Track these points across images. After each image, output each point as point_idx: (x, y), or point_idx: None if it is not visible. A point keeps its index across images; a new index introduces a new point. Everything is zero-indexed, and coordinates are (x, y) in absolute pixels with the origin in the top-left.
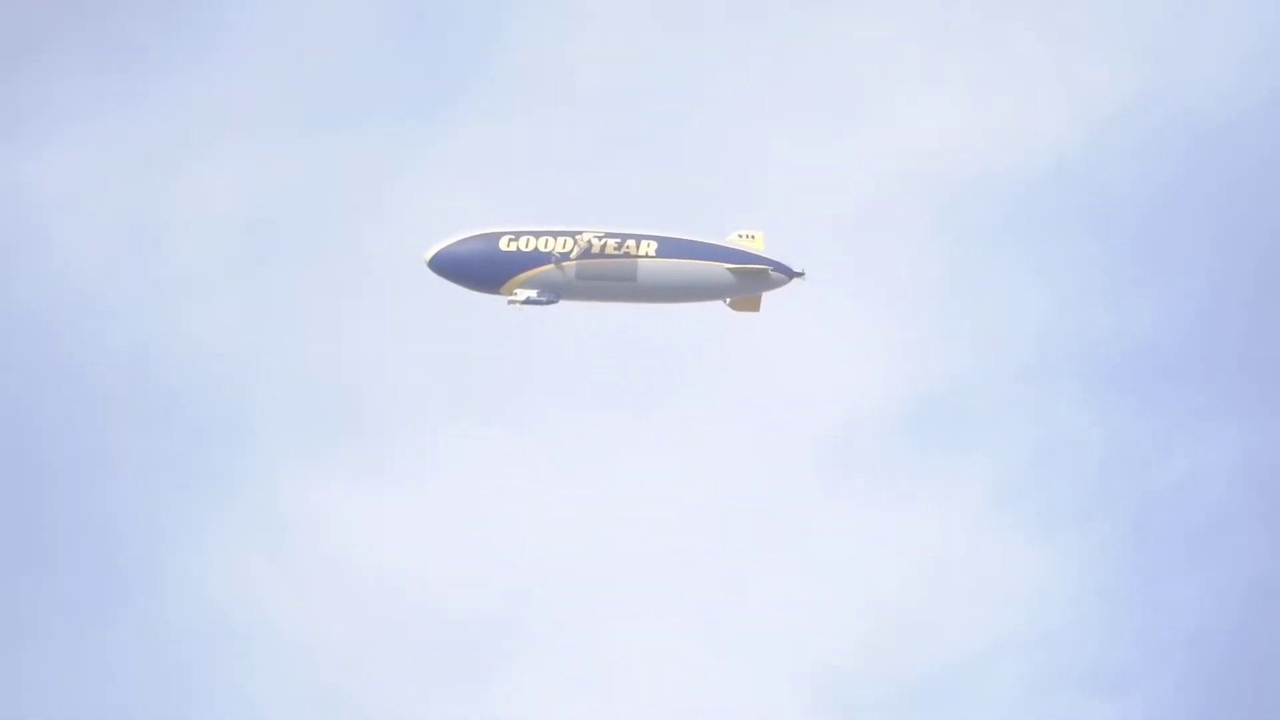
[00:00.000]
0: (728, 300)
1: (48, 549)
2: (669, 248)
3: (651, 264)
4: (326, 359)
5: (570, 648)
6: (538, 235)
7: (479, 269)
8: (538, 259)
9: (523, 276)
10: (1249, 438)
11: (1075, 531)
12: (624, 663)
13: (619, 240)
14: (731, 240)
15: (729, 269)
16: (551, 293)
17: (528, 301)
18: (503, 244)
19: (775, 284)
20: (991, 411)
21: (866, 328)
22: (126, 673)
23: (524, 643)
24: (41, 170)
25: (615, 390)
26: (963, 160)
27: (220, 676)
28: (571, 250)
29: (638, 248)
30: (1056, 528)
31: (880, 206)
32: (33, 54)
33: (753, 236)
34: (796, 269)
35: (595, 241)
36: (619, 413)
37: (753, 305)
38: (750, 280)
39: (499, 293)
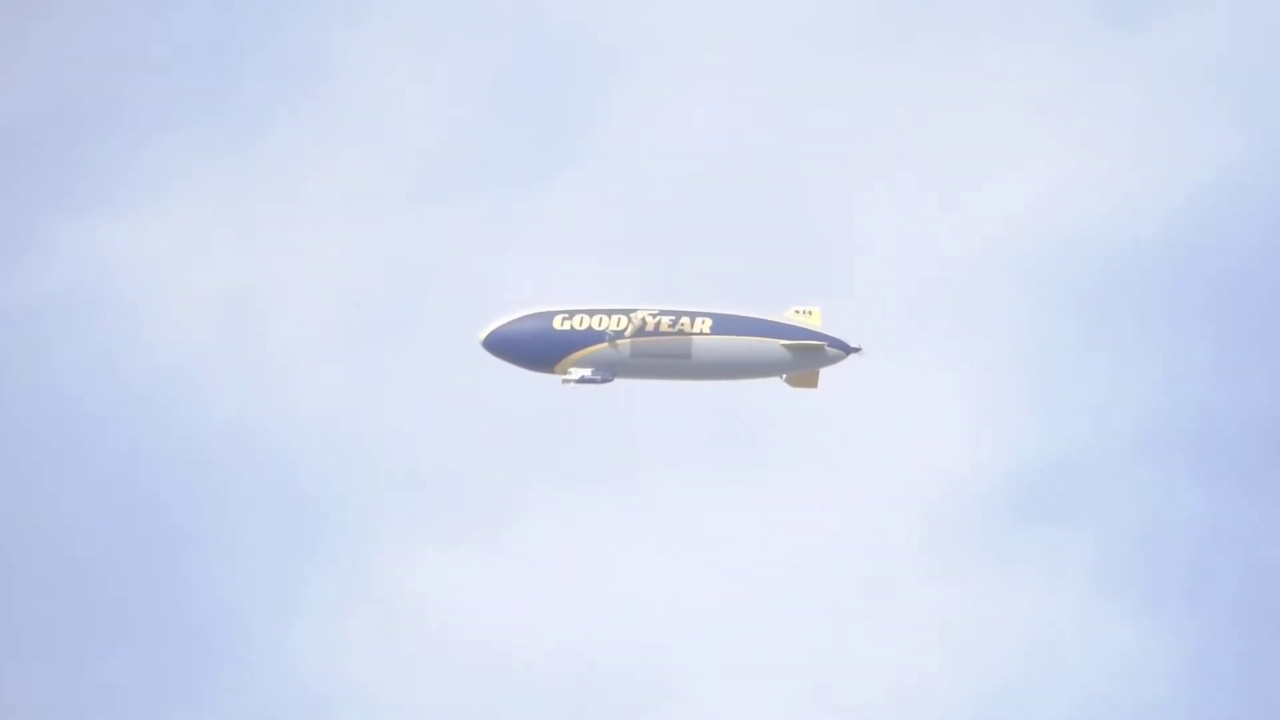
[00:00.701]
0: (784, 377)
1: (146, 622)
2: (724, 324)
3: (706, 341)
4: (425, 433)
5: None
6: (592, 314)
7: (533, 348)
8: (592, 338)
9: (577, 355)
10: None
11: (1180, 610)
12: None
13: (673, 318)
14: (789, 316)
15: (785, 345)
16: (607, 371)
17: (582, 380)
18: (557, 323)
19: (832, 360)
20: (1098, 486)
21: (970, 398)
22: None
23: (628, 716)
24: (147, 240)
25: (710, 464)
26: (1067, 226)
27: None
28: (626, 328)
29: (692, 325)
30: (1160, 606)
31: (983, 272)
32: (139, 121)
33: (810, 312)
34: (853, 344)
35: (650, 319)
36: (717, 486)
37: (810, 381)
38: (806, 356)
39: (554, 371)
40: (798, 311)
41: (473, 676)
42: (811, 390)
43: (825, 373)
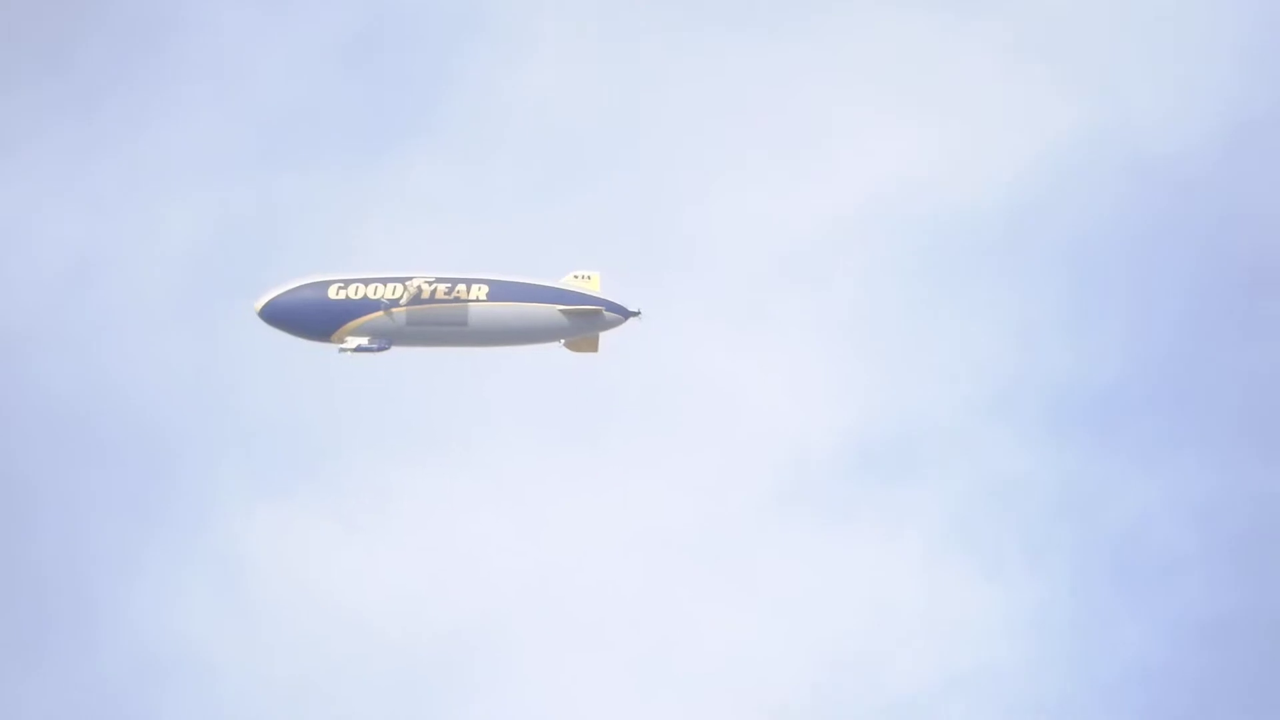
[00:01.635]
0: (563, 342)
1: None
2: (500, 290)
3: (482, 308)
4: (263, 397)
5: (517, 685)
6: (367, 282)
7: (310, 318)
8: (368, 306)
9: (354, 324)
10: (1206, 476)
11: (1020, 573)
12: (570, 699)
13: (449, 285)
14: (567, 281)
15: (561, 310)
16: (383, 340)
17: (359, 349)
18: (332, 292)
19: (610, 324)
20: (941, 449)
21: (816, 363)
22: (65, 714)
23: (470, 679)
24: None
25: (554, 428)
26: (914, 191)
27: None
28: (401, 296)
29: (468, 292)
30: (1002, 568)
31: (830, 238)
32: None
33: (589, 277)
34: (632, 308)
35: (425, 287)
36: (560, 450)
37: (590, 346)
38: (584, 321)
39: (330, 341)
40: (577, 276)
41: (318, 638)
42: (592, 355)
43: (614, 338)
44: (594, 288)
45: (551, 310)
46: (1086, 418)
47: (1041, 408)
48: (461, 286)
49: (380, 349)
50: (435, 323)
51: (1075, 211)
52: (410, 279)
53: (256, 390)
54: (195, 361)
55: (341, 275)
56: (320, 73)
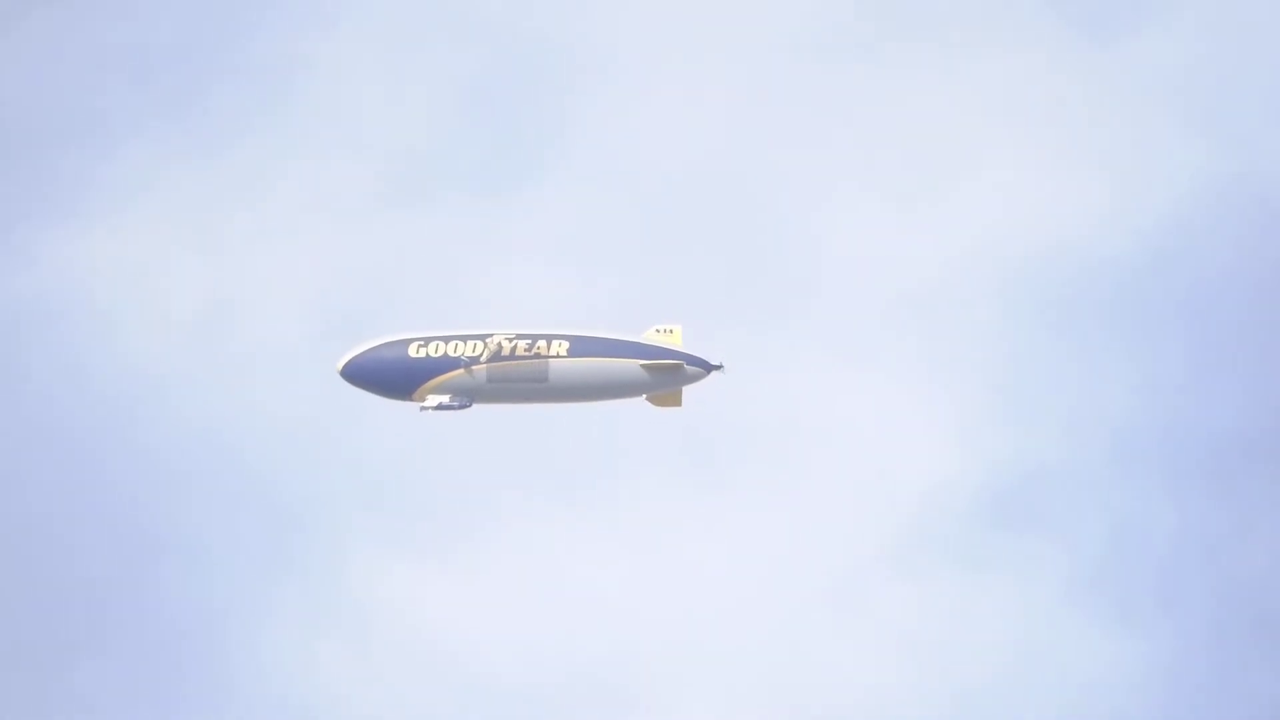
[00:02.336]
0: (645, 396)
1: (121, 630)
2: (581, 346)
3: (563, 364)
4: (401, 441)
5: None
6: (447, 340)
7: (391, 376)
8: (448, 364)
9: (435, 382)
10: None
11: (1151, 619)
12: None
13: (529, 341)
14: (649, 335)
15: (642, 365)
16: (464, 397)
17: (440, 407)
18: (412, 350)
19: (692, 378)
20: (1069, 496)
21: (940, 409)
22: None
23: None
24: (118, 247)
25: (670, 478)
26: (1040, 237)
27: None
28: (481, 353)
29: (549, 348)
30: (1132, 615)
31: (955, 283)
32: (110, 126)
33: (671, 330)
34: (714, 361)
35: (505, 344)
36: (680, 498)
37: (674, 400)
38: (666, 375)
39: (412, 399)
40: (658, 330)
41: (440, 683)
42: (675, 409)
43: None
44: (676, 342)
45: (632, 365)
46: (1215, 466)
47: (1169, 456)
48: (542, 343)
49: (462, 407)
50: (516, 380)
51: (1201, 259)
52: (491, 336)
53: (374, 439)
54: (320, 408)
55: (422, 333)
56: (441, 116)
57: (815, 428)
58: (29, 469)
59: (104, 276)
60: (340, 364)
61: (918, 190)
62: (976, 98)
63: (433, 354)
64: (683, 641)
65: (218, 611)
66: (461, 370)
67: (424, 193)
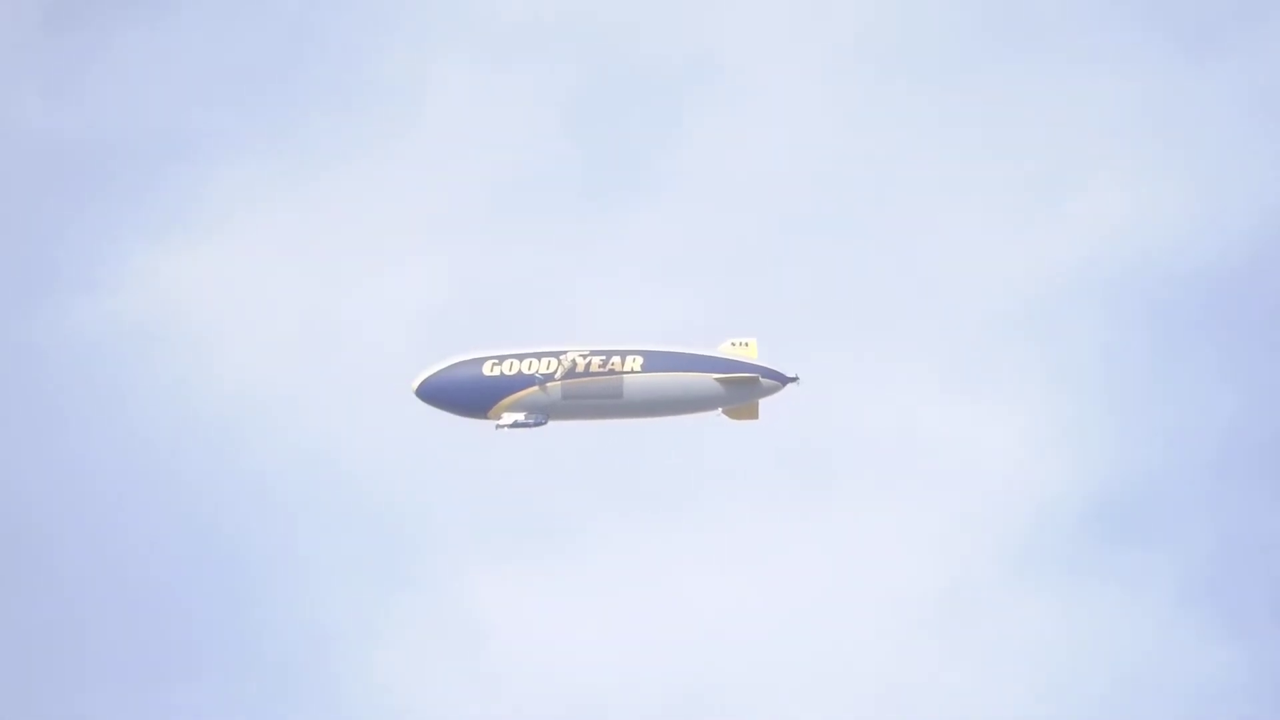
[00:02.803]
0: (720, 410)
1: (228, 649)
2: (655, 361)
3: (637, 379)
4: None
5: None
6: (521, 358)
7: (466, 395)
8: (523, 382)
9: (509, 400)
10: None
11: (1263, 629)
12: None
13: (603, 357)
14: (724, 349)
15: (717, 379)
16: (540, 414)
17: (515, 425)
18: (486, 369)
19: (768, 391)
20: (1178, 507)
21: (1048, 421)
22: None
23: None
24: (218, 268)
25: (779, 488)
26: (1143, 249)
27: None
28: (555, 371)
29: (623, 364)
30: (1244, 625)
31: (1060, 296)
32: (210, 147)
33: (746, 344)
34: (790, 374)
35: (579, 360)
36: (782, 512)
37: (750, 413)
38: (741, 389)
39: (488, 417)
40: (734, 344)
41: (548, 699)
42: (752, 421)
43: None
44: (751, 354)
45: (707, 379)
46: None
47: (1275, 464)
48: (616, 359)
49: (537, 424)
50: (591, 396)
51: None
52: (564, 353)
53: (476, 455)
54: (423, 425)
55: (497, 351)
56: (544, 134)
57: (921, 441)
58: (134, 491)
59: (207, 297)
60: (415, 384)
61: (1021, 205)
62: (1076, 113)
63: (507, 372)
64: (791, 658)
65: (327, 633)
66: (536, 388)
67: (528, 211)
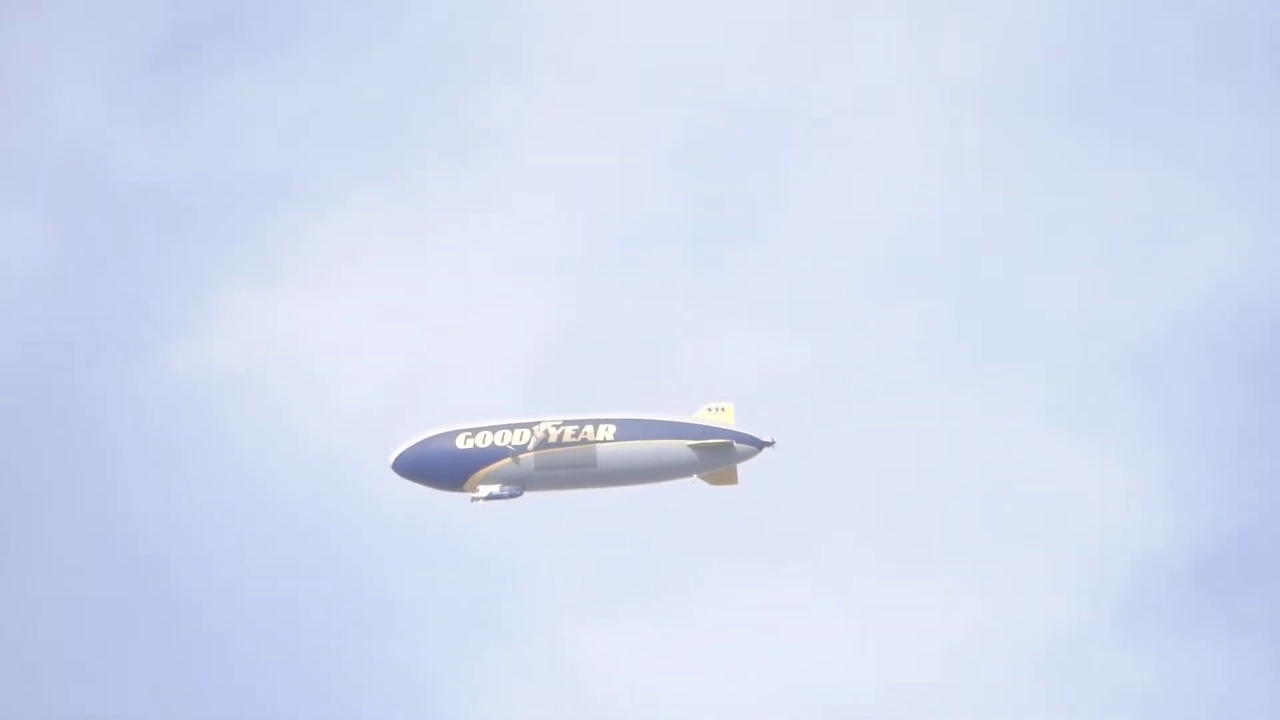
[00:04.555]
0: (695, 477)
1: (324, 690)
2: (628, 429)
3: (610, 448)
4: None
5: None
6: (495, 430)
7: (440, 468)
8: (496, 454)
9: (483, 472)
10: None
11: None
12: None
13: (576, 427)
14: (700, 415)
15: (690, 445)
16: (515, 486)
17: (490, 497)
18: (460, 441)
19: (744, 456)
20: None
21: (1153, 471)
22: None
23: None
24: (323, 312)
25: (877, 542)
26: (1253, 296)
27: None
28: (529, 442)
29: (595, 432)
30: None
31: (1168, 344)
32: (314, 190)
33: (723, 409)
34: (765, 438)
35: (552, 431)
36: (882, 564)
37: (729, 478)
38: (716, 455)
39: (463, 490)
40: (710, 409)
41: None
42: (732, 487)
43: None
44: (728, 420)
45: (680, 446)
46: None
47: None
48: (589, 428)
49: (513, 495)
50: (564, 466)
51: None
52: (537, 423)
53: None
54: None
55: (470, 424)
56: (647, 179)
57: (1023, 488)
58: (237, 533)
59: (310, 342)
60: (391, 458)
61: (1130, 252)
62: (1186, 158)
63: (480, 444)
64: (894, 708)
65: (423, 679)
66: (509, 459)
67: (631, 257)
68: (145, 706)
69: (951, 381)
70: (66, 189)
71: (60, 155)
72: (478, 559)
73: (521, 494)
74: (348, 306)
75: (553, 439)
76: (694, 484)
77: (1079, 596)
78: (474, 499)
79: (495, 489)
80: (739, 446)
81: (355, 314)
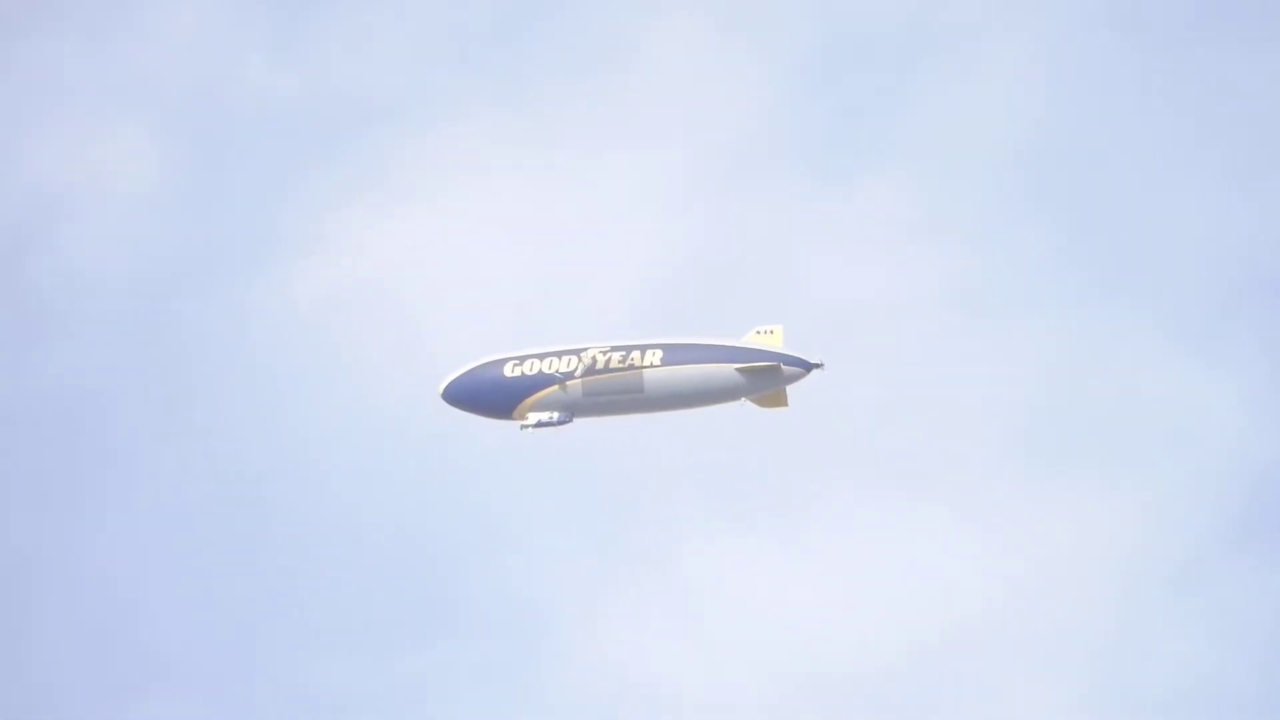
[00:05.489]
0: (744, 400)
1: (456, 617)
2: (675, 354)
3: (657, 373)
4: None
5: (974, 712)
6: (542, 357)
7: (489, 397)
8: (544, 381)
9: (532, 400)
10: None
11: None
12: None
13: (624, 353)
14: (749, 338)
15: (737, 369)
16: (565, 413)
17: (539, 425)
18: (507, 370)
19: (791, 378)
20: None
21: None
22: None
23: (926, 708)
24: (440, 232)
25: (1008, 456)
26: None
27: None
28: (576, 369)
29: (643, 358)
30: None
31: None
32: (430, 110)
33: (771, 331)
34: (814, 359)
35: (600, 357)
36: (1025, 477)
37: (779, 401)
38: (764, 378)
39: (513, 418)
40: (759, 332)
41: (776, 665)
42: (783, 409)
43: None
44: (776, 343)
45: (728, 370)
46: None
47: None
48: (636, 354)
49: (562, 422)
50: (612, 392)
51: None
52: (585, 350)
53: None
54: None
55: (518, 352)
56: (773, 99)
57: (1149, 410)
58: (357, 461)
59: (425, 261)
60: (440, 387)
61: (1254, 169)
62: None
63: (528, 372)
64: (1013, 627)
65: (551, 599)
66: (556, 387)
67: (749, 178)
68: (247, 632)
69: (1076, 303)
70: (182, 105)
71: (176, 71)
72: (590, 482)
73: (571, 420)
74: (468, 226)
75: (600, 365)
76: (743, 407)
77: (1202, 515)
78: (523, 426)
79: (544, 416)
80: (786, 369)
81: (475, 234)
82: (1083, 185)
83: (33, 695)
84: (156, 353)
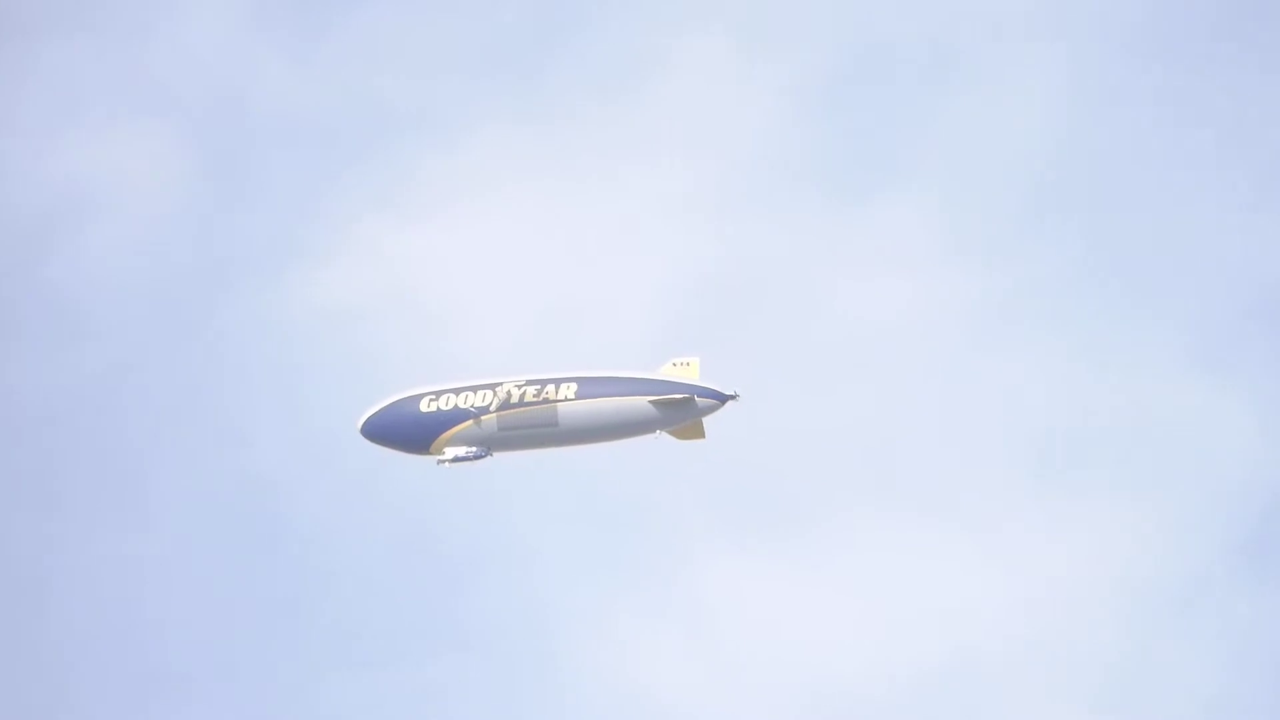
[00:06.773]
0: (659, 433)
1: (465, 631)
2: (590, 387)
3: (571, 406)
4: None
5: None
6: (457, 392)
7: (406, 432)
8: (459, 416)
9: (448, 435)
10: None
11: None
12: None
13: (539, 387)
14: (665, 370)
15: (650, 401)
16: (481, 448)
17: (457, 460)
18: (424, 405)
19: (706, 410)
20: None
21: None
22: None
23: None
24: (460, 243)
25: (1014, 476)
26: None
27: None
28: (491, 403)
29: (557, 392)
30: None
31: None
32: (454, 120)
33: (688, 364)
34: (728, 391)
35: (515, 391)
36: (1038, 496)
37: (696, 433)
38: (677, 410)
39: (429, 453)
40: (675, 364)
41: (782, 685)
42: (700, 441)
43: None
44: (692, 375)
45: (641, 403)
46: None
47: None
48: (551, 387)
49: (479, 457)
50: (526, 426)
51: None
52: (500, 384)
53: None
54: None
55: (433, 387)
56: (787, 117)
57: (1164, 430)
58: (366, 466)
59: (444, 272)
60: (359, 423)
61: (1277, 190)
62: None
63: (443, 407)
64: (1025, 646)
65: (557, 613)
66: (470, 421)
67: (772, 195)
68: (262, 631)
69: (1091, 319)
70: (207, 111)
71: (202, 77)
72: (612, 497)
73: (488, 454)
74: (489, 236)
75: (514, 399)
76: (659, 439)
77: (1215, 536)
78: (440, 461)
79: (460, 451)
80: (700, 401)
81: (496, 244)
82: (1103, 204)
83: (53, 696)
84: (178, 356)
